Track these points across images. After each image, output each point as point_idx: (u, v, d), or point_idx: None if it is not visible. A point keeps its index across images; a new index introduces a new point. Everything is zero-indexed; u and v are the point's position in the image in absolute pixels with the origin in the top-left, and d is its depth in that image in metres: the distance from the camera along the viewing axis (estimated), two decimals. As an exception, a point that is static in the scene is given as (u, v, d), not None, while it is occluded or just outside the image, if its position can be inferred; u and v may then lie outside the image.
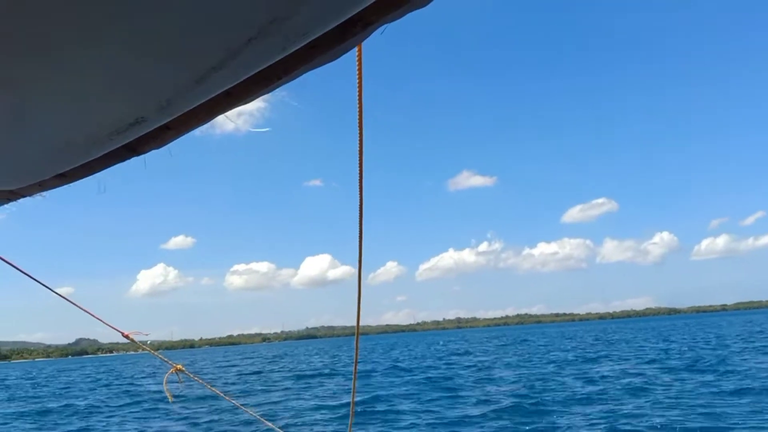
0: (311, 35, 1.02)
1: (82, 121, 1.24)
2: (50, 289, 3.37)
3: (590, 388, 19.46)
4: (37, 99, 1.13)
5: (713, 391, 17.14)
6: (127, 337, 3.75)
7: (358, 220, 2.10)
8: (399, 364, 39.49)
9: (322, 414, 17.92)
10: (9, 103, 1.12)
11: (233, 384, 32.11)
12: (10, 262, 2.74)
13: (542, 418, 14.68)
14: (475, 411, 16.28)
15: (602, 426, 13.12)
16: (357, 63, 1.43)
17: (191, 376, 3.68)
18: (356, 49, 1.41)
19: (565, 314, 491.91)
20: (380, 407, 18.00)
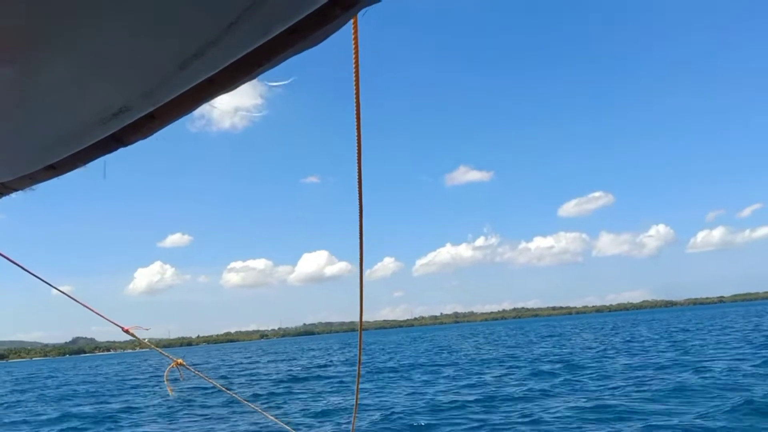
0: (291, 19, 1.01)
1: (67, 111, 1.23)
2: (52, 285, 3.37)
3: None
4: (22, 90, 1.13)
5: None
6: (127, 332, 3.75)
7: (358, 212, 2.10)
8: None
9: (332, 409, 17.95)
10: None
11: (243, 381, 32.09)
12: (12, 259, 2.74)
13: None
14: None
15: None
16: (353, 44, 1.42)
17: (192, 370, 3.68)
18: (352, 34, 1.41)
19: (561, 307, 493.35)
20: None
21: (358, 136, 1.92)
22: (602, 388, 17.73)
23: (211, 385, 4.00)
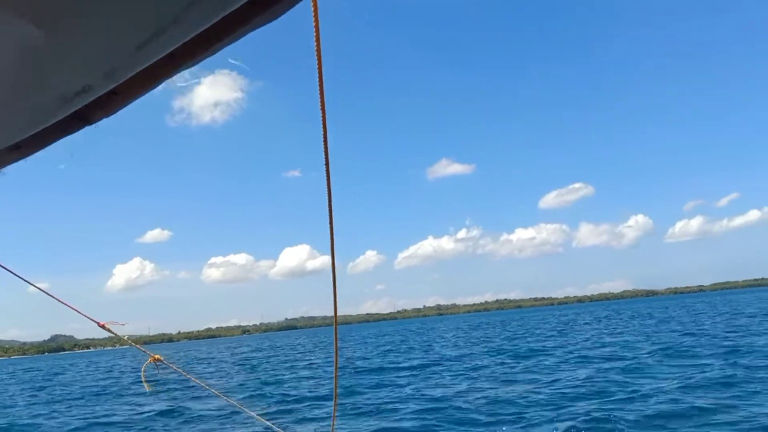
0: None
1: (28, 90, 1.21)
2: (28, 281, 3.32)
3: None
4: None
5: None
6: (103, 327, 3.70)
7: (326, 194, 2.07)
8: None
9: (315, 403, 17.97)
10: None
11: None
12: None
13: None
14: None
15: None
16: (313, 18, 1.40)
17: (170, 365, 3.65)
18: (311, 8, 1.40)
19: (543, 298, 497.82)
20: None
21: (324, 119, 1.89)
22: None
23: (191, 382, 3.95)
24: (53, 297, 3.50)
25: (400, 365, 27.79)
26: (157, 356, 3.63)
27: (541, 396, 15.14)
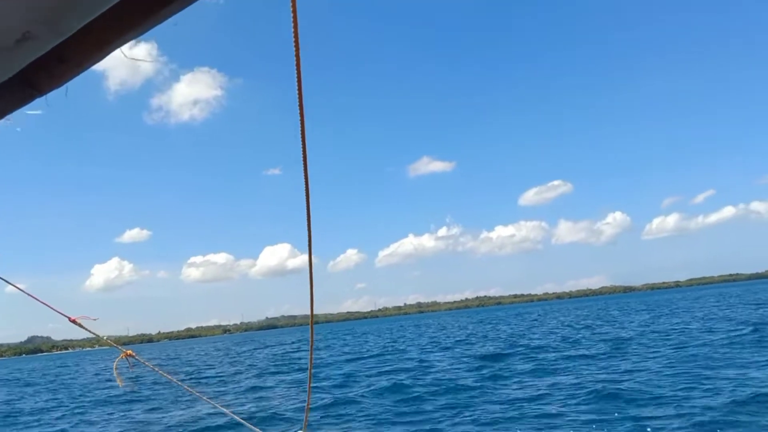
0: None
1: None
2: (7, 281, 3.23)
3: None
4: None
5: None
6: (74, 322, 3.62)
7: (304, 189, 2.03)
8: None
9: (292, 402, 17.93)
10: None
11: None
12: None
13: None
14: None
15: None
16: (292, 13, 1.37)
17: (142, 361, 3.58)
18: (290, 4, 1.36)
19: (523, 295, 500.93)
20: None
21: (301, 115, 1.85)
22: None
23: (164, 378, 3.89)
24: (22, 291, 3.42)
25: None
26: (129, 352, 3.56)
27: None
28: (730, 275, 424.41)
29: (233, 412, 4.40)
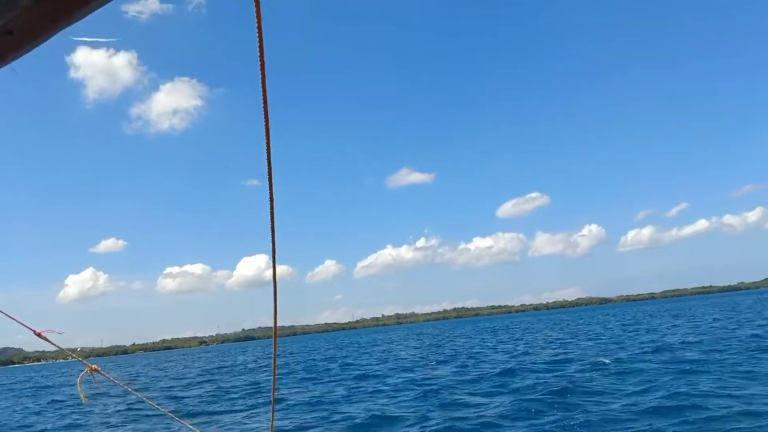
0: None
1: None
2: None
3: None
4: None
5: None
6: (39, 335, 3.57)
7: (268, 193, 2.04)
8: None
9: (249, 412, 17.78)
10: None
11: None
12: None
13: None
14: None
15: None
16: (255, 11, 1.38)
17: (107, 376, 3.55)
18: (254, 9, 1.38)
19: (501, 306, 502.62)
20: None
21: (266, 118, 1.87)
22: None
23: (131, 394, 3.86)
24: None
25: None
26: (94, 366, 3.53)
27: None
28: (704, 287, 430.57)
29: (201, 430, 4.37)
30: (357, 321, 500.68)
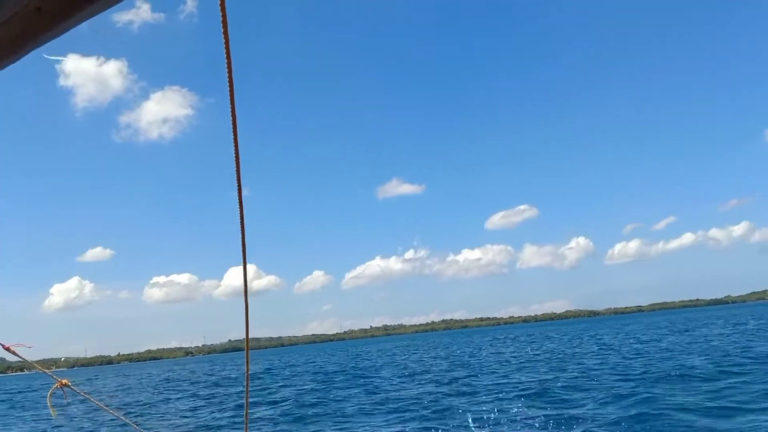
0: None
1: None
2: None
3: None
4: None
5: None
6: (8, 350, 3.47)
7: (237, 200, 1.98)
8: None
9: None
10: None
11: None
12: None
13: None
14: None
15: None
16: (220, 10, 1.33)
17: (77, 391, 3.45)
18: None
19: (489, 318, 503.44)
20: None
21: (234, 118, 1.81)
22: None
23: (99, 407, 3.76)
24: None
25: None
26: (64, 381, 3.42)
27: None
28: (691, 300, 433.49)
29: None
30: (345, 332, 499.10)
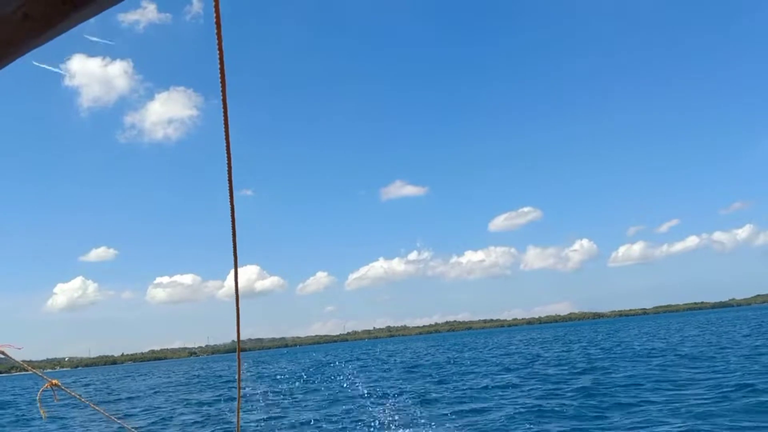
0: None
1: None
2: None
3: None
4: None
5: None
6: (-2, 350, 3.43)
7: (229, 203, 1.93)
8: None
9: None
10: None
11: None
12: None
13: None
14: None
15: None
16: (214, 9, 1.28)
17: (68, 391, 3.40)
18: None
19: (493, 320, 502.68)
20: None
21: (224, 99, 1.75)
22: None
23: (90, 408, 3.70)
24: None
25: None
26: (54, 381, 3.37)
27: None
28: (695, 303, 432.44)
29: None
30: (348, 333, 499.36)
